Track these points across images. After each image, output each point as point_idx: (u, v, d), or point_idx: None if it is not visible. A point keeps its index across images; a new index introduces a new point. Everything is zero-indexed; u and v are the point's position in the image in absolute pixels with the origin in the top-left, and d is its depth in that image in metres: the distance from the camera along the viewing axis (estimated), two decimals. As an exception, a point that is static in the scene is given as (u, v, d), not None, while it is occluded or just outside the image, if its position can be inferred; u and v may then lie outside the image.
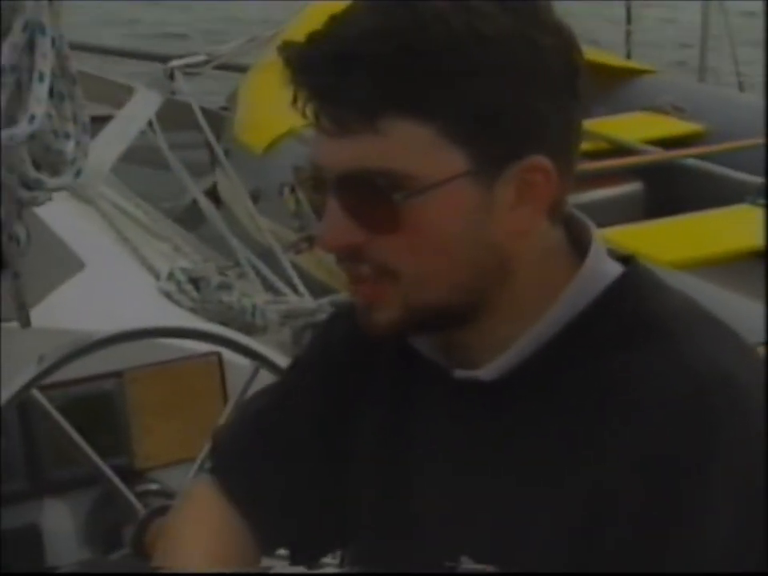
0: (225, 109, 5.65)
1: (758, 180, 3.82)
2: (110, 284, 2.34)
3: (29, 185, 1.77)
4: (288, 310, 3.04)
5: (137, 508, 1.68)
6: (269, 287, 3.39)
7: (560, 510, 0.90)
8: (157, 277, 2.75)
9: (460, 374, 0.98)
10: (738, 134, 4.30)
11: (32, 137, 1.71)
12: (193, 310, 2.68)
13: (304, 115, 0.91)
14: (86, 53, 5.82)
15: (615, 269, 0.97)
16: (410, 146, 0.88)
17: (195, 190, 4.21)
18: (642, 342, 0.92)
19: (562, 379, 0.94)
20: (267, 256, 3.70)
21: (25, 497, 1.86)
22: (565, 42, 0.92)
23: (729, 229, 3.76)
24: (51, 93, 1.75)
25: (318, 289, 3.54)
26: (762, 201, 3.76)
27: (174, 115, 4.45)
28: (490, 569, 0.93)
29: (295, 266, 3.63)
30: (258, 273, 3.47)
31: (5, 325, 1.93)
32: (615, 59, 5.43)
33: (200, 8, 10.48)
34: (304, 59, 0.89)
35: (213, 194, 4.95)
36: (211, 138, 4.36)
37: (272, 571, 1.26)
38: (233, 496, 1.10)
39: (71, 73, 1.80)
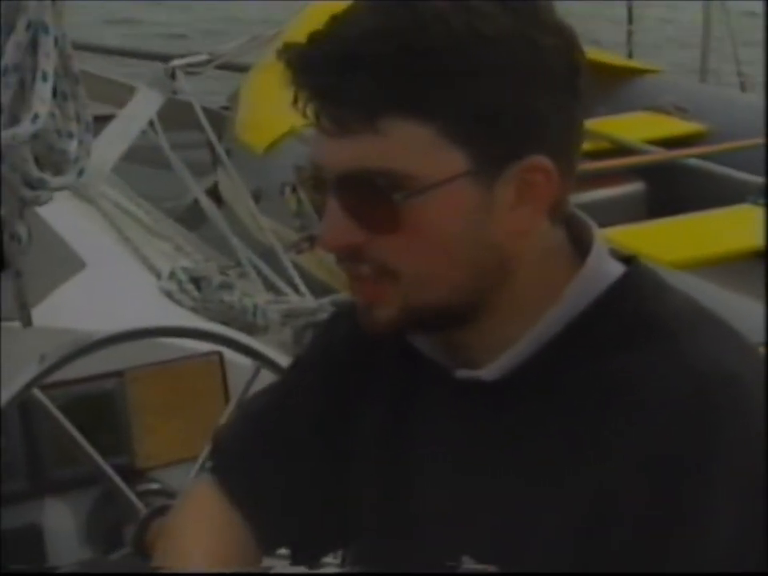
0: (226, 108, 5.65)
1: (760, 180, 3.82)
2: (111, 283, 2.33)
3: (32, 184, 1.77)
4: (289, 309, 3.04)
5: (138, 507, 1.68)
6: (270, 287, 3.39)
7: (562, 510, 0.90)
8: (158, 276, 2.75)
9: (461, 373, 0.98)
10: (740, 134, 4.30)
11: (35, 136, 1.71)
12: (194, 310, 2.68)
13: (305, 115, 0.91)
14: (88, 52, 5.82)
15: (617, 269, 0.97)
16: (410, 146, 0.88)
17: (196, 190, 4.21)
18: (643, 342, 0.92)
19: (563, 379, 0.94)
20: (268, 256, 3.70)
21: (26, 496, 1.86)
22: (566, 42, 0.92)
23: (731, 229, 3.76)
24: (54, 92, 1.75)
25: (319, 288, 3.54)
26: (763, 201, 3.76)
27: (175, 115, 4.45)
28: (491, 569, 0.93)
29: (296, 266, 3.63)
30: (259, 272, 3.47)
31: (6, 324, 1.93)
32: (617, 59, 5.43)
33: (200, 8, 10.48)
34: (305, 59, 0.89)
35: (214, 194, 4.95)
36: (213, 138, 4.35)
37: (273, 571, 1.26)
38: (233, 495, 1.10)
39: (74, 72, 1.80)
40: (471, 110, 0.88)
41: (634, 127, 4.76)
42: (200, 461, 1.68)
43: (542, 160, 0.90)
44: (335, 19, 0.90)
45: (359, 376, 1.08)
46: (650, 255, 2.87)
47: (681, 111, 4.87)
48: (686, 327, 0.93)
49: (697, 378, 0.88)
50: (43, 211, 2.13)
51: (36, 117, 1.68)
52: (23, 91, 1.70)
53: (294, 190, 4.14)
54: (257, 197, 4.33)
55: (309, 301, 3.21)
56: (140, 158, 4.48)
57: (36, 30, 1.70)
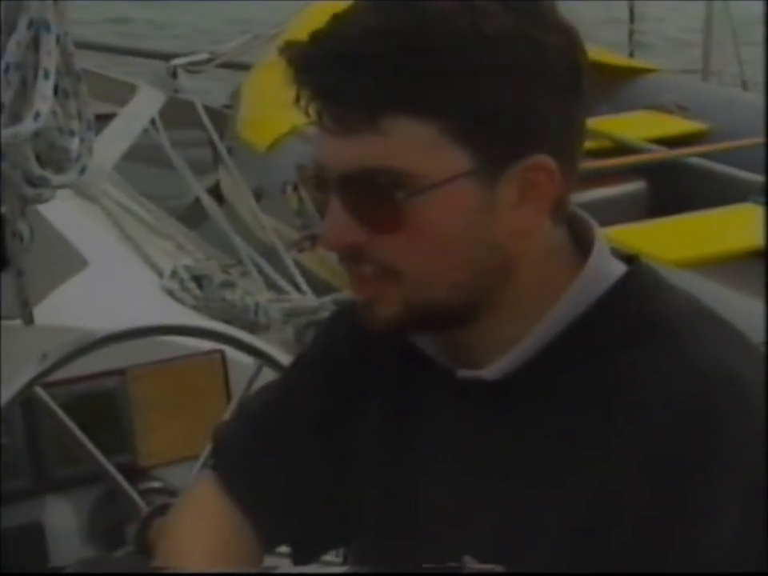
0: (228, 107, 5.64)
1: (762, 179, 3.82)
2: (113, 282, 2.33)
3: (33, 182, 1.77)
4: (291, 308, 3.04)
5: (140, 506, 1.68)
6: (271, 285, 3.39)
7: (564, 510, 0.90)
8: (160, 275, 2.75)
9: (463, 373, 0.98)
10: (742, 133, 4.29)
11: (37, 134, 1.71)
12: (196, 308, 2.68)
13: (307, 114, 0.91)
14: (89, 51, 5.82)
15: (619, 268, 0.97)
16: (412, 145, 0.88)
17: (198, 188, 4.21)
18: (645, 341, 0.91)
19: (565, 379, 0.94)
20: (270, 254, 3.70)
21: (28, 494, 1.86)
22: (568, 42, 0.92)
23: (732, 228, 3.75)
24: (56, 90, 1.75)
25: (320, 287, 3.54)
26: (764, 200, 3.76)
27: (177, 113, 4.45)
28: (498, 568, 0.93)
29: (298, 264, 3.63)
30: (260, 271, 3.46)
31: (8, 322, 1.93)
32: (619, 58, 5.43)
33: (193, 7, 10.48)
34: (306, 59, 0.89)
35: (216, 192, 4.95)
36: (214, 136, 4.35)
37: (277, 571, 1.26)
38: (234, 493, 1.10)
39: (76, 70, 1.80)
40: (473, 109, 0.88)
41: (635, 126, 4.76)
42: (202, 459, 1.68)
43: (545, 159, 0.90)
44: (336, 18, 0.90)
45: (360, 375, 1.08)
46: (652, 254, 2.87)
47: (682, 110, 4.87)
48: (688, 327, 0.92)
49: (699, 378, 0.88)
50: (45, 209, 2.13)
51: (37, 115, 1.68)
52: (25, 89, 1.70)
53: (295, 188, 4.14)
54: (258, 195, 4.33)
55: (310, 299, 3.21)
56: (142, 157, 4.48)
57: (38, 28, 1.70)
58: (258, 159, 4.71)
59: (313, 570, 1.20)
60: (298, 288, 3.38)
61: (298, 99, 0.91)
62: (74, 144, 1.80)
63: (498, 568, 0.93)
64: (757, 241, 3.49)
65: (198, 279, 2.78)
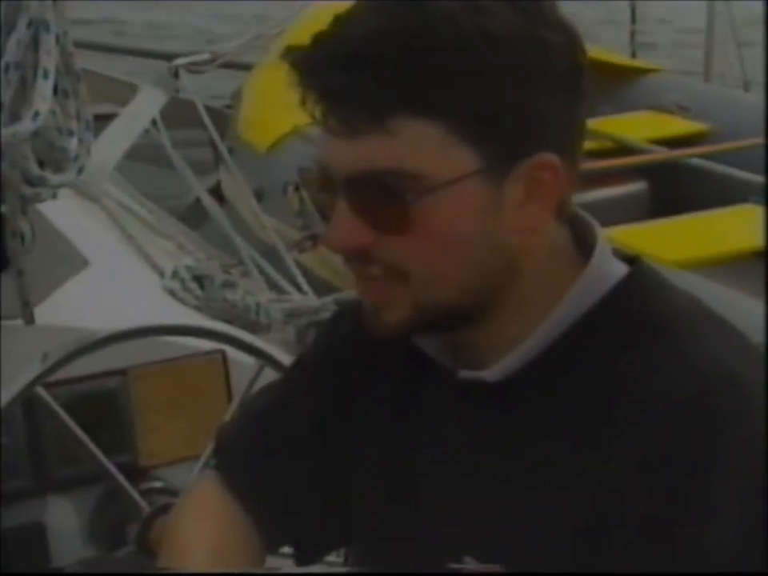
0: (229, 107, 5.64)
1: (763, 180, 3.82)
2: (114, 282, 2.33)
3: (32, 181, 1.77)
4: (292, 308, 3.04)
5: (141, 506, 1.68)
6: (273, 285, 3.39)
7: (566, 511, 0.90)
8: (161, 275, 2.75)
9: (465, 374, 0.98)
10: (743, 133, 4.29)
11: (36, 133, 1.71)
12: (197, 308, 2.68)
13: (313, 117, 0.91)
14: (90, 50, 5.82)
15: (620, 269, 0.97)
16: (420, 146, 0.88)
17: (199, 189, 4.21)
18: (647, 341, 0.91)
19: (567, 379, 0.93)
20: (271, 254, 3.70)
21: (29, 494, 1.86)
22: (570, 41, 0.92)
23: (733, 228, 3.75)
24: (55, 90, 1.75)
25: (321, 287, 3.54)
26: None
27: (178, 113, 4.45)
28: (497, 569, 0.93)
29: (299, 265, 3.63)
30: (261, 271, 3.46)
31: (9, 322, 1.93)
32: (620, 58, 5.42)
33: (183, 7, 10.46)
34: (311, 61, 0.89)
35: (216, 193, 4.94)
36: (215, 137, 4.35)
37: (280, 571, 1.26)
38: (237, 493, 1.10)
39: (75, 70, 1.80)
40: (480, 108, 0.88)
41: (636, 126, 4.76)
42: (203, 459, 1.68)
43: (550, 157, 0.90)
44: (339, 20, 0.90)
45: (362, 375, 1.08)
46: (653, 255, 2.87)
47: (684, 111, 4.87)
48: (690, 327, 0.92)
49: (699, 378, 0.88)
50: (46, 209, 2.13)
51: (37, 114, 1.68)
52: (24, 89, 1.70)
53: (296, 188, 4.14)
54: (259, 195, 4.33)
55: (311, 299, 3.21)
56: (143, 157, 4.48)
57: (37, 27, 1.70)
58: (259, 159, 4.71)
59: (315, 571, 1.20)
60: (299, 288, 3.38)
61: (303, 102, 0.91)
62: (73, 144, 1.79)
63: (498, 568, 0.93)
64: (758, 241, 3.48)
65: (199, 279, 2.78)
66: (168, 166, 4.15)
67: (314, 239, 3.90)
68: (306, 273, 3.58)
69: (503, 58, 0.88)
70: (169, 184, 4.71)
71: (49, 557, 1.87)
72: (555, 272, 0.95)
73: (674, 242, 3.59)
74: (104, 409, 1.86)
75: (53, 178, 1.79)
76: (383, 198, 0.89)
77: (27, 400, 1.67)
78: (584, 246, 0.97)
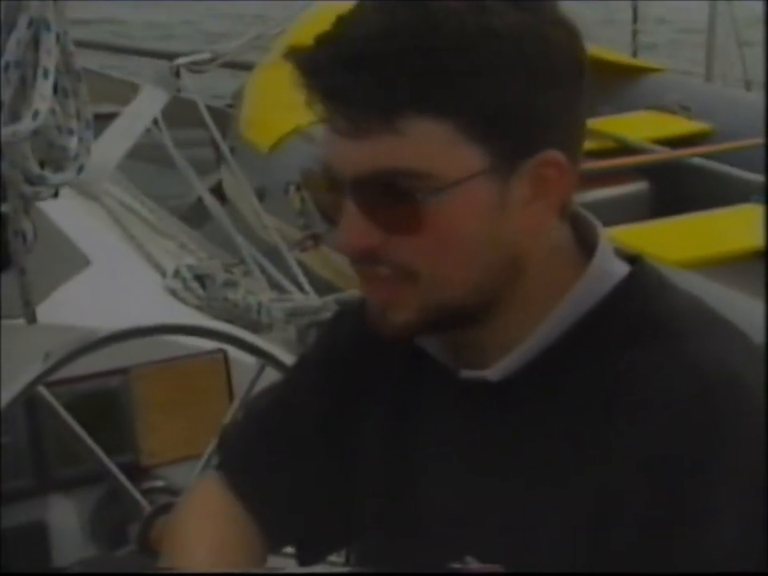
0: (230, 106, 5.64)
1: (764, 179, 3.81)
2: (116, 281, 2.34)
3: (32, 180, 1.77)
4: (293, 307, 3.04)
5: (142, 505, 1.68)
6: (274, 285, 3.39)
7: (566, 510, 0.90)
8: (162, 274, 2.75)
9: (466, 374, 0.98)
10: (745, 133, 4.29)
11: (35, 133, 1.71)
12: (198, 308, 2.68)
13: (320, 117, 0.91)
14: (91, 50, 5.83)
15: (622, 268, 0.97)
16: (428, 145, 0.88)
17: (200, 188, 4.21)
18: (648, 341, 0.91)
19: (568, 379, 0.93)
20: (272, 254, 3.70)
21: (30, 494, 1.86)
22: (571, 38, 0.92)
23: (735, 228, 3.75)
24: (55, 89, 1.75)
25: (322, 287, 3.54)
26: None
27: (179, 113, 4.45)
28: (498, 569, 0.93)
29: (300, 264, 3.63)
30: (263, 270, 3.47)
31: (11, 321, 1.93)
32: (622, 57, 5.42)
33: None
34: (316, 61, 0.88)
35: (218, 192, 4.95)
36: (217, 136, 4.35)
37: (284, 571, 1.26)
38: (239, 492, 1.10)
39: (75, 69, 1.79)
40: (487, 106, 0.88)
41: (638, 126, 4.76)
42: (204, 458, 1.69)
43: (555, 154, 0.90)
44: (342, 20, 0.89)
45: (364, 375, 1.08)
46: (654, 255, 2.86)
47: (685, 110, 4.87)
48: (691, 327, 0.92)
49: (700, 379, 0.88)
50: (48, 209, 2.14)
51: (36, 113, 1.68)
52: (24, 88, 1.70)
53: (298, 188, 4.15)
54: (261, 195, 4.33)
55: (313, 299, 3.21)
56: (144, 156, 4.48)
57: (38, 27, 1.70)
58: (260, 159, 4.71)
59: (317, 571, 1.20)
60: (300, 288, 3.38)
61: (310, 102, 0.90)
62: (73, 143, 1.80)
63: (499, 568, 0.92)
64: (759, 241, 3.48)
65: (200, 279, 2.78)
66: (169, 165, 4.15)
67: (316, 239, 3.91)
68: (307, 272, 3.58)
69: (508, 56, 0.88)
70: (170, 183, 4.72)
71: (50, 556, 1.87)
72: (557, 271, 0.95)
73: (676, 242, 3.59)
74: (105, 408, 1.86)
75: (53, 176, 1.79)
76: (393, 199, 0.89)
77: (29, 399, 1.67)
78: (585, 245, 0.97)
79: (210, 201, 4.14)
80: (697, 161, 4.29)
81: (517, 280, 0.93)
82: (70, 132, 1.79)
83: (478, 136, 0.88)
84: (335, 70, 0.87)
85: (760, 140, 3.94)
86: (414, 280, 0.91)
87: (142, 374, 1.90)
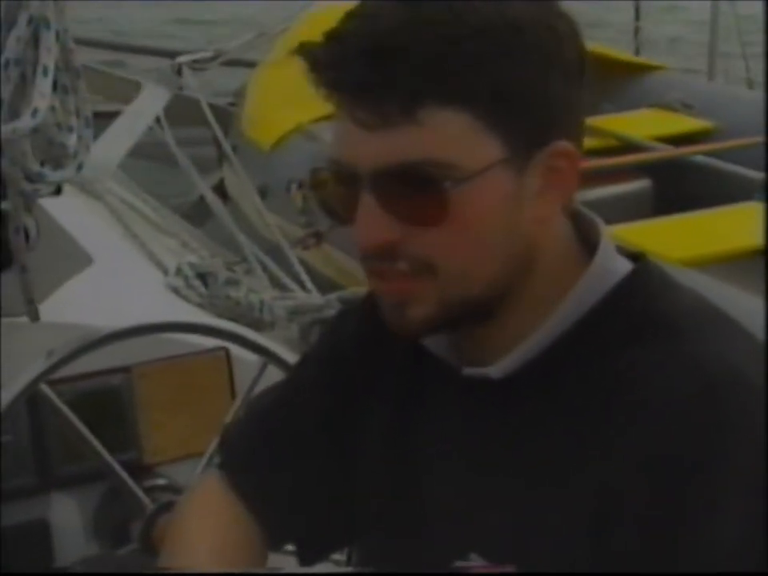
0: (233, 105, 5.65)
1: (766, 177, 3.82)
2: (118, 279, 2.34)
3: (31, 178, 1.77)
4: (295, 305, 3.04)
5: (145, 503, 1.68)
6: (276, 283, 3.39)
7: (567, 509, 0.90)
8: (165, 272, 2.75)
9: (469, 371, 0.98)
10: (747, 131, 4.29)
11: (35, 130, 1.71)
12: (200, 306, 2.69)
13: (336, 112, 0.90)
14: (91, 48, 5.83)
15: (624, 266, 0.97)
16: (449, 135, 0.87)
17: (203, 186, 4.21)
18: (650, 340, 0.91)
19: (570, 377, 0.93)
20: (275, 252, 3.71)
21: (33, 491, 1.86)
22: (575, 32, 0.92)
23: (737, 226, 3.75)
24: (55, 86, 1.75)
25: (325, 285, 3.54)
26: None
27: (181, 111, 4.45)
28: (509, 568, 0.92)
29: (302, 262, 3.63)
30: (265, 269, 3.47)
31: (14, 319, 1.93)
32: (624, 55, 5.42)
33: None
34: (334, 55, 0.88)
35: (220, 190, 4.95)
36: (219, 134, 4.36)
37: (283, 571, 1.26)
38: (241, 492, 1.10)
39: (75, 67, 1.80)
40: (503, 95, 0.88)
41: (640, 124, 4.76)
42: (207, 456, 1.69)
43: (566, 145, 0.91)
44: (354, 15, 0.89)
45: (367, 373, 1.08)
46: (657, 253, 2.86)
47: (687, 108, 4.87)
48: (695, 325, 0.92)
49: (702, 378, 0.87)
50: (50, 207, 2.14)
51: (36, 111, 1.68)
52: (24, 85, 1.70)
53: (300, 186, 4.15)
54: (263, 193, 4.34)
55: (315, 297, 3.21)
56: (146, 154, 4.49)
57: (37, 24, 1.70)
58: (262, 157, 4.71)
59: (318, 571, 1.20)
60: (302, 286, 3.38)
61: (324, 97, 0.90)
62: (72, 140, 1.79)
63: (511, 568, 0.92)
64: (761, 239, 3.48)
65: (202, 277, 2.78)
66: (172, 163, 4.16)
67: (318, 237, 3.91)
68: (309, 270, 3.59)
69: (523, 45, 0.88)
70: (172, 181, 4.72)
71: (52, 554, 1.87)
72: (562, 268, 0.95)
73: (678, 240, 3.59)
74: (108, 406, 1.86)
75: (52, 174, 1.79)
76: (414, 190, 0.88)
77: (31, 397, 1.67)
78: (587, 243, 0.97)
79: (212, 199, 4.14)
80: (699, 159, 4.29)
81: (527, 273, 0.93)
82: (70, 129, 1.79)
83: (496, 125, 0.88)
84: (355, 62, 0.87)
85: (762, 138, 3.94)
86: (432, 274, 0.91)
87: (144, 372, 1.90)
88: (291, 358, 1.70)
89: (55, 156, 1.79)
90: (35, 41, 1.71)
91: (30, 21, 1.69)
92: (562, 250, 0.95)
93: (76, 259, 2.20)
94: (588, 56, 0.93)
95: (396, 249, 0.90)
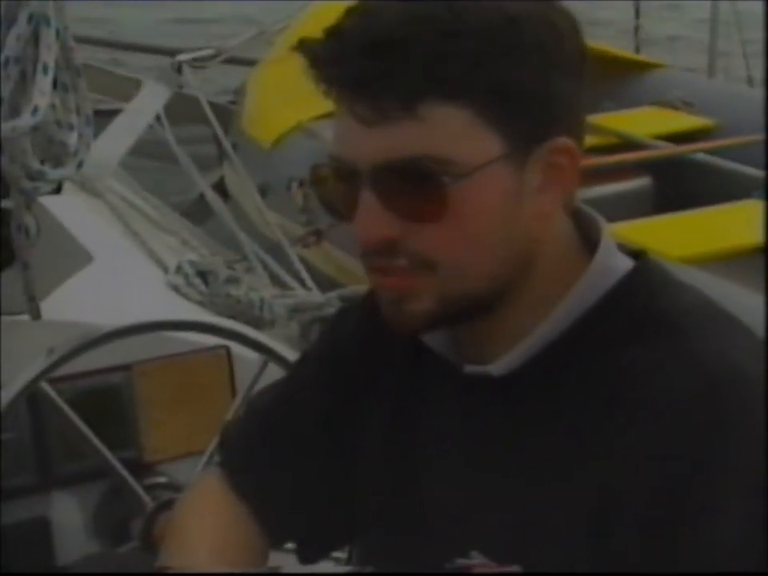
0: (233, 103, 5.65)
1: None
2: (119, 277, 2.34)
3: (31, 176, 1.77)
4: (296, 303, 3.04)
5: (145, 501, 1.68)
6: (276, 281, 3.39)
7: (569, 506, 0.90)
8: (165, 270, 2.75)
9: (470, 369, 0.98)
10: (748, 129, 4.28)
11: (35, 128, 1.71)
12: (201, 304, 2.69)
13: (336, 108, 0.90)
14: (92, 46, 5.83)
15: (625, 263, 0.97)
16: (449, 131, 0.87)
17: (203, 184, 4.21)
18: (651, 337, 0.91)
19: (571, 375, 0.93)
20: (275, 250, 3.70)
21: (33, 490, 1.86)
22: (575, 29, 0.92)
23: (738, 224, 3.74)
24: (55, 84, 1.75)
25: (325, 283, 3.54)
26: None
27: (181, 109, 4.45)
28: (513, 568, 0.92)
29: (303, 260, 3.63)
30: (265, 267, 3.47)
31: (15, 317, 1.93)
32: (625, 53, 5.42)
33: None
34: (335, 51, 0.88)
35: (220, 188, 4.95)
36: (219, 132, 4.35)
37: (282, 571, 1.26)
38: (241, 490, 1.10)
39: (75, 65, 1.79)
40: (506, 90, 0.88)
41: (641, 122, 4.75)
42: (207, 454, 1.69)
43: (567, 141, 0.91)
44: (356, 11, 0.89)
45: (367, 371, 1.07)
46: (657, 250, 2.85)
47: (688, 106, 4.86)
48: (696, 324, 0.92)
49: (704, 376, 0.87)
50: (51, 205, 2.14)
51: (36, 109, 1.68)
52: (24, 83, 1.70)
53: (300, 184, 4.15)
54: (263, 191, 4.33)
55: (315, 295, 3.21)
56: (146, 153, 4.48)
57: (38, 22, 1.70)
58: (262, 155, 4.71)
59: (318, 570, 1.20)
60: (303, 284, 3.38)
61: (324, 93, 0.90)
62: (73, 138, 1.79)
63: (515, 568, 0.92)
64: (762, 237, 3.48)
65: (202, 275, 2.78)
66: (172, 161, 4.15)
67: (318, 235, 3.91)
68: (309, 268, 3.58)
69: (523, 40, 0.88)
70: (172, 180, 4.72)
71: (53, 552, 1.87)
72: (562, 265, 0.95)
73: (679, 238, 3.59)
74: (108, 404, 1.87)
75: (52, 172, 1.79)
76: (414, 186, 0.88)
77: (32, 395, 1.67)
78: (588, 241, 0.97)
79: (212, 197, 4.14)
80: (700, 157, 4.29)
81: (527, 270, 0.93)
82: (70, 127, 1.79)
83: (497, 121, 0.88)
84: (356, 57, 0.87)
85: (762, 136, 3.93)
86: (432, 270, 0.91)
87: (144, 371, 1.90)
88: (291, 356, 1.70)
89: (55, 154, 1.79)
90: (35, 39, 1.71)
91: (30, 19, 1.69)
92: (563, 247, 0.95)
93: (76, 257, 2.21)
94: (589, 54, 0.93)
95: (396, 245, 0.90)
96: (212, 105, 4.47)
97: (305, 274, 3.45)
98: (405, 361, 1.04)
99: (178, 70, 4.18)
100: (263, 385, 1.31)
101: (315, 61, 0.89)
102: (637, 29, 6.19)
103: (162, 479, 1.88)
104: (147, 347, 1.86)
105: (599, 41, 4.57)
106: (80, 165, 1.81)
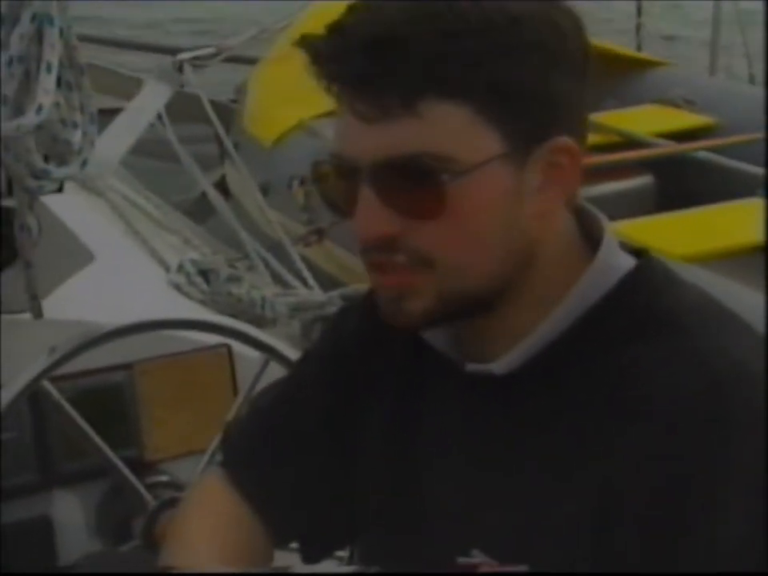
0: (234, 101, 5.64)
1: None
2: (120, 276, 2.34)
3: (36, 174, 1.77)
4: (297, 302, 3.04)
5: (147, 500, 1.68)
6: (278, 280, 3.39)
7: (571, 505, 0.90)
8: (166, 269, 2.75)
9: (471, 367, 0.98)
10: (749, 127, 4.28)
11: (39, 127, 1.71)
12: (202, 302, 2.69)
13: (336, 105, 0.90)
14: (94, 45, 5.83)
15: (628, 262, 0.97)
16: (449, 128, 0.88)
17: (204, 183, 4.21)
18: (653, 336, 0.91)
19: (573, 373, 0.93)
20: (276, 249, 3.70)
21: (35, 488, 1.86)
22: (578, 28, 0.92)
23: (740, 222, 3.74)
24: (59, 83, 1.75)
25: (327, 282, 3.54)
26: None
27: (183, 108, 4.45)
28: (520, 568, 0.92)
29: (304, 259, 3.63)
30: (267, 265, 3.47)
31: (17, 316, 1.93)
32: (627, 51, 5.42)
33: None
34: (337, 47, 0.88)
35: (222, 187, 4.95)
36: (220, 131, 4.35)
37: (287, 571, 1.26)
38: (243, 489, 1.10)
39: (79, 63, 1.80)
40: (504, 89, 0.88)
41: (643, 120, 4.75)
42: (209, 453, 1.69)
43: (567, 141, 0.91)
44: (357, 9, 0.89)
45: (368, 370, 1.07)
46: (659, 249, 2.86)
47: (690, 104, 4.86)
48: (698, 322, 0.92)
49: (707, 374, 0.87)
50: (52, 204, 2.14)
51: (40, 108, 1.68)
52: (28, 82, 1.70)
53: (302, 183, 4.15)
54: (265, 190, 4.33)
55: (317, 294, 3.21)
56: (148, 151, 4.48)
57: (41, 21, 1.70)
58: (264, 154, 4.71)
59: (321, 570, 1.20)
60: (304, 282, 3.38)
61: (325, 90, 0.90)
62: (77, 136, 1.80)
63: (521, 568, 0.92)
64: (763, 235, 3.47)
65: (204, 273, 2.78)
66: (173, 160, 4.15)
67: (320, 233, 3.91)
68: (311, 267, 3.58)
69: (525, 40, 0.88)
70: (174, 178, 4.71)
71: (55, 551, 1.87)
72: (564, 263, 0.95)
73: (681, 236, 3.58)
74: (110, 403, 1.87)
75: (56, 170, 1.79)
76: (413, 183, 0.88)
77: (33, 394, 1.67)
78: (591, 239, 0.97)
79: (213, 196, 4.14)
80: (702, 155, 4.28)
81: (528, 269, 0.93)
82: (74, 126, 1.79)
83: (496, 120, 0.88)
84: (356, 54, 0.87)
85: (764, 134, 3.93)
86: (430, 267, 0.91)
87: (146, 369, 1.90)
88: (293, 354, 1.70)
89: (59, 152, 1.79)
90: (39, 38, 1.71)
91: (34, 18, 1.69)
92: (565, 246, 0.95)
93: (78, 256, 2.21)
94: (592, 52, 0.93)
95: (395, 242, 0.90)
96: (213, 103, 4.47)
97: (306, 273, 3.45)
98: (406, 359, 1.04)
99: (179, 68, 4.18)
100: (265, 383, 1.31)
101: (317, 57, 0.89)
102: (639, 27, 6.18)
103: (163, 478, 1.88)
104: (149, 346, 1.86)
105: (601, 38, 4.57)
106: (84, 163, 1.81)
